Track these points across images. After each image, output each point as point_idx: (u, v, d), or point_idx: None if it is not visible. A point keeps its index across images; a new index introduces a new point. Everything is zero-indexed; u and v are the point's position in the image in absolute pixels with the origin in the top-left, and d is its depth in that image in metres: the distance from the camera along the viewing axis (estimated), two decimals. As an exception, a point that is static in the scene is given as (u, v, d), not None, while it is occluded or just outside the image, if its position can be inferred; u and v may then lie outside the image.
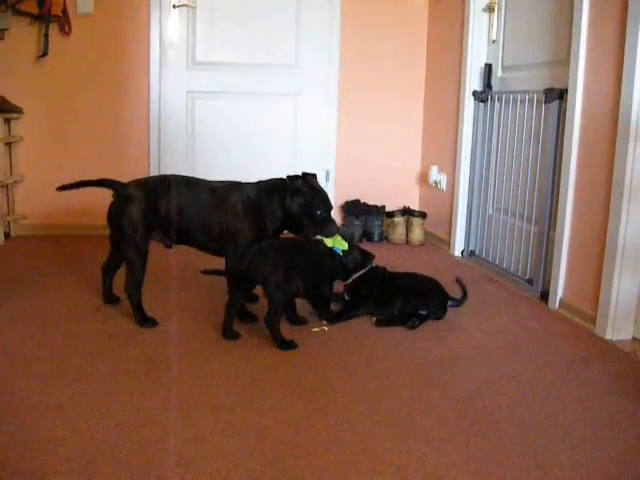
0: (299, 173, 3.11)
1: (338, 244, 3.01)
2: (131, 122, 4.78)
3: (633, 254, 2.92)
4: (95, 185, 3.00)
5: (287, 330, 2.84)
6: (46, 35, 4.45)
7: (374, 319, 3.06)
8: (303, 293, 2.90)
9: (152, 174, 4.77)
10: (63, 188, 2.98)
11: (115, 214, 2.92)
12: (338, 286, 3.12)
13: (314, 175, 3.13)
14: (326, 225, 3.01)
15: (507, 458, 1.93)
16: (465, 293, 3.28)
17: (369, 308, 3.11)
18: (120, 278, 3.09)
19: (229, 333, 2.80)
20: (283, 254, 2.77)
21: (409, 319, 3.01)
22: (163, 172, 4.80)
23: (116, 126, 4.77)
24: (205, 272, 2.78)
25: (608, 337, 2.98)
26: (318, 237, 2.98)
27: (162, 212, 2.90)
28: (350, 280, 3.11)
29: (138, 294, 2.93)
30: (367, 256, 3.15)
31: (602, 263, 3.02)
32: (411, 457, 1.91)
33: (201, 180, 3.10)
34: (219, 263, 2.99)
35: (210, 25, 4.75)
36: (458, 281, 3.34)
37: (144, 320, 2.91)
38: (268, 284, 2.70)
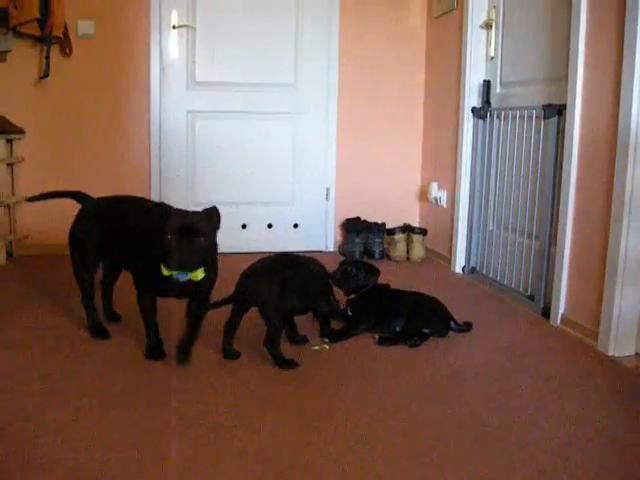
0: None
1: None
2: (132, 142, 4.80)
3: (634, 269, 2.91)
4: (64, 196, 3.09)
5: (287, 349, 2.83)
6: (47, 57, 4.48)
7: (376, 337, 3.05)
8: (300, 310, 2.89)
9: (153, 193, 4.79)
10: (33, 199, 3.08)
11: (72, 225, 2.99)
12: (342, 301, 3.12)
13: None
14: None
15: (508, 477, 1.91)
16: (470, 326, 3.26)
17: (371, 326, 3.11)
18: (121, 296, 3.08)
19: (229, 353, 2.79)
20: (277, 273, 2.75)
21: (410, 337, 3.01)
22: (164, 191, 4.82)
23: (117, 146, 4.78)
24: (214, 306, 2.78)
25: (610, 353, 2.96)
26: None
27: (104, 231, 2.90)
28: (354, 296, 3.12)
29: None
30: (372, 272, 3.16)
31: (603, 278, 3.02)
32: (412, 476, 1.90)
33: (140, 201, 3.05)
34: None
35: (210, 45, 4.78)
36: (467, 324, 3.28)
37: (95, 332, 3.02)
38: (263, 305, 2.70)
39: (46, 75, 4.51)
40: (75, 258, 2.97)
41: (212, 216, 2.58)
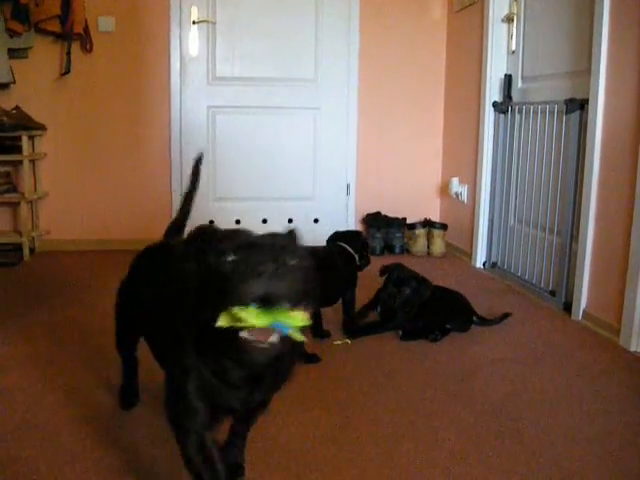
0: None
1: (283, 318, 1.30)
2: (153, 137, 4.82)
3: (657, 264, 2.90)
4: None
5: (310, 343, 2.84)
6: (68, 53, 4.51)
7: (400, 332, 3.05)
8: (325, 303, 2.91)
9: (174, 187, 4.80)
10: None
11: None
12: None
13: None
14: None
15: (531, 471, 1.91)
16: (501, 318, 3.24)
17: (398, 326, 3.09)
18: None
19: None
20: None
21: (432, 332, 3.01)
22: (185, 184, 4.82)
23: (138, 141, 4.81)
24: None
25: (633, 349, 2.95)
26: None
27: None
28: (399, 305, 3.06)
29: None
30: (426, 285, 3.06)
31: (625, 274, 3.00)
32: (435, 470, 1.90)
33: None
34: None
35: (230, 40, 4.79)
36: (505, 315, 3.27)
37: None
38: None
39: (67, 71, 4.55)
40: None
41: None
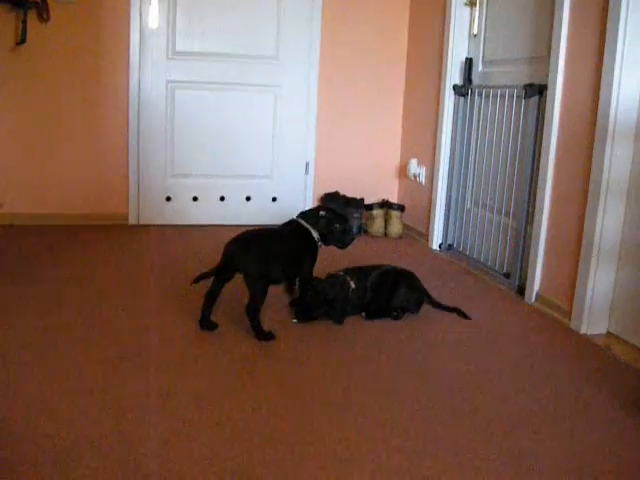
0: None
1: None
2: (110, 111, 4.74)
3: (609, 249, 2.96)
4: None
5: (267, 321, 2.84)
6: (24, 22, 4.40)
7: (363, 314, 3.07)
8: (285, 279, 2.98)
9: (131, 163, 4.74)
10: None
11: None
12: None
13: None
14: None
15: (483, 449, 1.95)
16: (453, 310, 3.23)
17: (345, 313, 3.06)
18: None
19: (206, 324, 2.80)
20: (262, 245, 2.79)
21: (393, 311, 3.05)
22: (142, 162, 4.78)
23: (95, 115, 4.73)
24: (196, 281, 2.78)
25: (583, 331, 3.01)
26: None
27: None
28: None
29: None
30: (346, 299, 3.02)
31: (578, 258, 3.06)
32: (389, 447, 1.93)
33: None
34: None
35: (191, 14, 4.73)
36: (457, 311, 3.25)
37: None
38: (248, 276, 2.72)
39: (23, 41, 4.44)
40: None
41: None
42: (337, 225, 3.06)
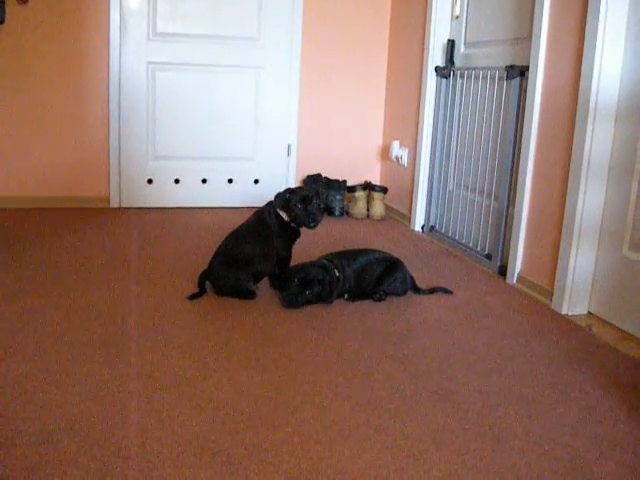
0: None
1: None
2: (91, 92, 4.70)
3: (590, 231, 2.97)
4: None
5: (254, 309, 2.85)
6: (2, 2, 4.34)
7: (345, 296, 3.07)
8: (271, 267, 3.10)
9: (111, 145, 4.71)
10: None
11: None
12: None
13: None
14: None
15: (464, 429, 1.96)
16: (434, 291, 3.25)
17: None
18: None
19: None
20: (232, 264, 2.99)
21: (375, 293, 3.05)
22: (123, 143, 4.74)
23: (76, 97, 4.68)
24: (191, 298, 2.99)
25: (564, 311, 3.04)
26: None
27: None
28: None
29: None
30: (332, 282, 3.00)
31: (559, 239, 3.08)
32: (370, 428, 1.94)
33: None
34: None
35: (171, -5, 4.69)
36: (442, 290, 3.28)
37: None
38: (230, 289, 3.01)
39: (1, 22, 4.37)
40: None
41: None
42: (298, 205, 2.97)
